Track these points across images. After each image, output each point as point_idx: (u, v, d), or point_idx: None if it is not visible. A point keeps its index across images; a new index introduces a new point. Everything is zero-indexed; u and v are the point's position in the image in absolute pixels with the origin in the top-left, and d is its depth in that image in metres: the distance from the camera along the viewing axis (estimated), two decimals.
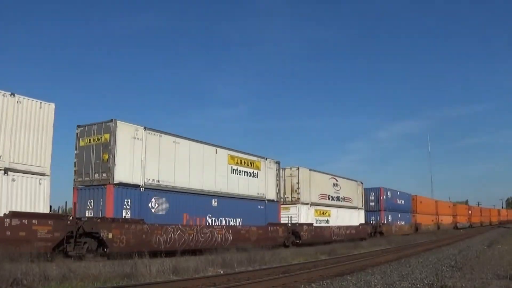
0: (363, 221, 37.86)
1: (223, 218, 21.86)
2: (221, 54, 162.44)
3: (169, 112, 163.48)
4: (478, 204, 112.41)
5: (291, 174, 28.90)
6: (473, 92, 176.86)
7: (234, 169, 23.02)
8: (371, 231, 38.81)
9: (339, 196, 33.93)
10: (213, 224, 21.20)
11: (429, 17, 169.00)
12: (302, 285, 10.28)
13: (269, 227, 24.49)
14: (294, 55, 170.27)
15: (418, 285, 9.94)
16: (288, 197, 28.47)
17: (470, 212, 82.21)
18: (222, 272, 13.36)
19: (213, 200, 21.39)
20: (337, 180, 34.05)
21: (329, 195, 32.45)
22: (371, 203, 41.84)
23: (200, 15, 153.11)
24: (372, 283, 10.23)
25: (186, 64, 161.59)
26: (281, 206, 27.38)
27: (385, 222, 41.82)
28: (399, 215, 45.46)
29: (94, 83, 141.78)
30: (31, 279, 9.59)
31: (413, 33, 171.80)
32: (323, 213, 31.40)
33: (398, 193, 46.78)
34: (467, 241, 31.77)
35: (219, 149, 22.28)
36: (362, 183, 38.94)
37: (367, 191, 40.93)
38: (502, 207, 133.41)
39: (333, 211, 32.60)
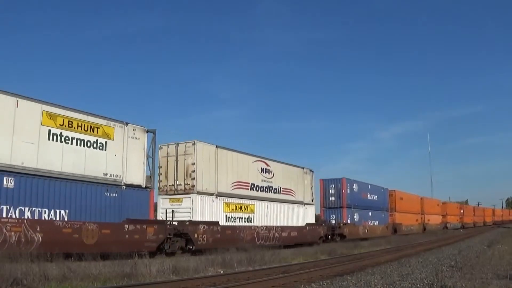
0: (312, 220, 30.52)
1: (26, 208, 14.35)
2: (221, 54, 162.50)
3: (169, 112, 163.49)
4: (478, 204, 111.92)
5: (185, 152, 21.18)
6: (473, 92, 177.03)
7: (55, 134, 15.65)
8: (326, 233, 31.44)
9: (271, 186, 26.12)
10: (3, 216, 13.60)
11: (429, 17, 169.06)
12: (302, 285, 10.28)
13: (126, 226, 16.88)
14: (294, 55, 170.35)
15: (418, 285, 9.94)
16: (180, 184, 21.05)
17: (462, 211, 75.68)
18: (222, 272, 13.37)
19: (5, 178, 13.94)
20: (267, 165, 26.16)
21: (252, 184, 24.58)
22: (331, 198, 34.47)
23: (200, 15, 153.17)
24: (372, 283, 10.23)
25: (186, 64, 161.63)
26: (165, 196, 21.44)
27: (349, 221, 34.40)
28: (370, 214, 38.46)
29: (94, 83, 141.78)
30: (31, 279, 9.60)
31: (413, 33, 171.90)
32: (241, 208, 23.65)
33: (369, 186, 39.37)
34: (467, 241, 31.77)
35: (24, 101, 14.86)
36: (312, 171, 31.30)
37: (326, 183, 34.58)
38: (502, 207, 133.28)
39: (259, 205, 24.86)
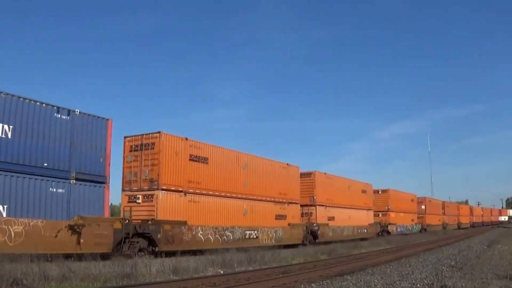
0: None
1: None
2: (222, 55, 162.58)
3: (169, 112, 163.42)
4: (478, 204, 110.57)
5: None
6: (473, 92, 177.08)
7: None
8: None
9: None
10: None
11: (429, 17, 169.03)
12: (302, 285, 10.27)
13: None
14: (294, 55, 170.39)
15: (418, 285, 9.93)
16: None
17: (423, 207, 56.92)
18: (222, 272, 13.37)
19: None
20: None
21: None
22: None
23: (200, 15, 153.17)
24: (372, 283, 10.22)
25: (186, 64, 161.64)
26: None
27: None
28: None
29: (94, 83, 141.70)
30: (31, 279, 9.59)
31: (413, 33, 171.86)
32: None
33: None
34: (467, 241, 31.77)
35: None
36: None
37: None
38: (502, 207, 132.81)
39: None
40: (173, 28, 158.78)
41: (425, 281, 10.33)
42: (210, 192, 21.28)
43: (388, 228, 44.41)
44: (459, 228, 69.76)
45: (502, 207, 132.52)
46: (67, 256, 14.04)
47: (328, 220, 32.03)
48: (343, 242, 28.69)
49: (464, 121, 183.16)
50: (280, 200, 26.78)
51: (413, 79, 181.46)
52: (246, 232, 23.01)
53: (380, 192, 45.61)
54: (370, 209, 40.38)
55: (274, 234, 25.39)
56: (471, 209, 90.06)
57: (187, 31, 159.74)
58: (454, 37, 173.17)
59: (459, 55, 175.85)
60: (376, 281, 10.56)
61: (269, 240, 24.70)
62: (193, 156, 20.47)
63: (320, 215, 31.09)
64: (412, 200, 53.94)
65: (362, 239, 34.08)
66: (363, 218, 38.69)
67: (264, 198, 25.15)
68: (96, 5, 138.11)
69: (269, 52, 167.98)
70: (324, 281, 10.66)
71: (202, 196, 20.77)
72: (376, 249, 24.66)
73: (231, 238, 21.76)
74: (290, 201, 27.67)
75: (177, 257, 16.25)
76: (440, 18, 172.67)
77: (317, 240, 29.24)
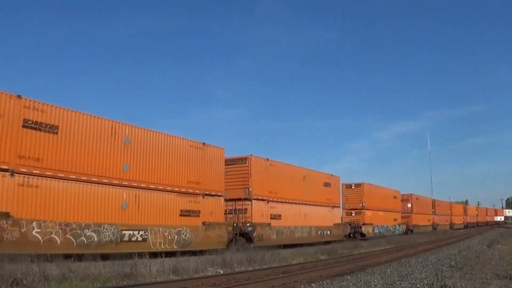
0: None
1: None
2: (221, 54, 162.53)
3: (169, 112, 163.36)
4: (478, 204, 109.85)
5: None
6: (474, 91, 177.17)
7: None
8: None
9: None
10: None
11: (429, 17, 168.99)
12: (302, 285, 10.27)
13: None
14: (294, 55, 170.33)
15: (418, 285, 9.92)
16: None
17: (410, 206, 51.63)
18: (222, 272, 13.36)
19: None
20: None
21: None
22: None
23: (200, 15, 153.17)
24: (372, 283, 10.21)
25: (186, 65, 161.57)
26: None
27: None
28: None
29: (94, 83, 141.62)
30: (31, 279, 9.60)
31: (413, 32, 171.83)
32: None
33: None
34: (467, 241, 31.76)
35: None
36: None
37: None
38: (502, 207, 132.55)
39: None
40: (173, 28, 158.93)
41: (425, 281, 10.32)
42: (59, 174, 15.30)
43: (362, 229, 37.56)
44: (451, 228, 65.47)
45: (502, 207, 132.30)
46: (67, 256, 14.03)
47: (271, 218, 25.24)
48: (296, 247, 23.92)
49: (464, 121, 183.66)
50: (190, 191, 20.32)
51: (413, 79, 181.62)
52: (124, 232, 16.75)
53: (353, 187, 39.33)
54: (336, 206, 34.20)
55: (176, 236, 18.94)
56: (465, 208, 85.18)
57: (186, 31, 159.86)
58: (454, 37, 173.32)
59: (459, 55, 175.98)
60: (376, 281, 10.55)
61: (167, 244, 18.40)
62: (30, 122, 14.72)
63: (258, 212, 24.24)
64: (395, 197, 46.97)
65: (326, 243, 28.06)
66: (326, 217, 31.81)
67: (160, 187, 18.87)
68: (96, 5, 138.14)
69: (269, 52, 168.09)
70: (324, 281, 10.66)
71: (45, 179, 14.84)
72: (376, 249, 24.67)
73: (95, 240, 15.74)
74: (207, 192, 21.10)
75: (177, 257, 16.24)
76: (440, 18, 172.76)
77: (252, 245, 22.36)
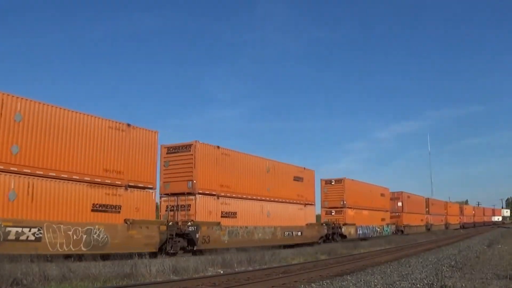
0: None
1: None
2: (221, 55, 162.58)
3: (168, 112, 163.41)
4: (478, 204, 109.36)
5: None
6: (473, 92, 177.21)
7: None
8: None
9: None
10: None
11: (429, 17, 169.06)
12: (302, 285, 10.27)
13: None
14: (294, 55, 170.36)
15: (418, 285, 9.92)
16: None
17: (400, 204, 47.46)
18: (222, 272, 13.37)
19: None
20: None
21: None
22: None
23: (199, 15, 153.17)
24: (372, 283, 10.21)
25: (186, 64, 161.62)
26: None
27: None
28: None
29: (94, 83, 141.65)
30: (31, 279, 9.60)
31: (413, 33, 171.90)
32: None
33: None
34: (467, 241, 31.74)
35: None
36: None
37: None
38: (502, 207, 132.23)
39: None
40: (173, 28, 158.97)
41: (425, 281, 10.32)
42: None
43: (343, 229, 33.60)
44: (447, 229, 62.33)
45: (502, 207, 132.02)
46: (67, 256, 14.03)
47: (222, 217, 21.58)
48: (257, 250, 17.59)
49: (464, 121, 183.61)
50: (108, 181, 16.88)
51: (412, 79, 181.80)
52: (9, 229, 13.31)
53: (333, 183, 35.36)
54: (310, 204, 30.07)
55: (85, 236, 15.34)
56: (461, 208, 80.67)
57: (186, 31, 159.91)
58: (454, 37, 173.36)
59: (458, 55, 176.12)
60: (376, 281, 10.55)
61: (71, 245, 14.88)
62: None
63: (205, 208, 20.65)
64: (382, 195, 43.02)
65: (297, 245, 25.57)
66: (296, 216, 27.91)
67: (64, 176, 15.45)
68: (95, 5, 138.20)
69: (268, 52, 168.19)
70: (324, 281, 10.66)
71: None
72: (376, 249, 24.69)
73: None
74: (132, 184, 17.75)
75: (177, 257, 16.23)
76: (439, 18, 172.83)
77: (195, 247, 19.59)
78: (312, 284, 10.32)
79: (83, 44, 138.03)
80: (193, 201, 20.24)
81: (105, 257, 14.81)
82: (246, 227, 23.16)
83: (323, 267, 14.29)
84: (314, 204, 30.84)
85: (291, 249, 23.16)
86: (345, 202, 34.93)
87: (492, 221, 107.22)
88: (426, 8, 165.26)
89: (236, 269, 14.05)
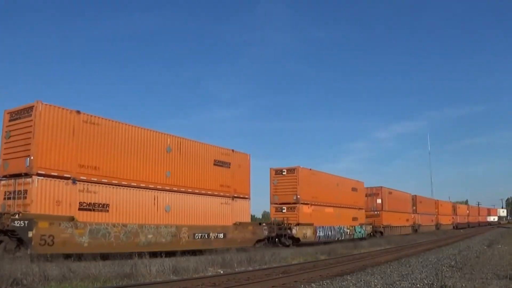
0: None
1: None
2: (221, 54, 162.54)
3: (169, 112, 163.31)
4: (478, 204, 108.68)
5: None
6: (473, 92, 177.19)
7: None
8: None
9: None
10: None
11: (429, 17, 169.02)
12: (302, 285, 10.27)
13: None
14: (294, 55, 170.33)
15: (418, 285, 9.92)
16: None
17: (379, 201, 41.78)
18: (222, 272, 13.36)
19: None
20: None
21: None
22: None
23: (199, 15, 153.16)
24: (372, 283, 10.21)
25: (186, 65, 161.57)
26: None
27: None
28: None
29: (94, 83, 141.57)
30: (31, 279, 9.60)
31: (413, 33, 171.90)
32: None
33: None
34: (467, 241, 31.74)
35: None
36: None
37: None
38: (502, 207, 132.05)
39: None
40: (173, 28, 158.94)
41: (425, 281, 10.32)
42: None
43: (294, 230, 27.32)
44: (437, 230, 57.32)
45: (502, 207, 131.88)
46: (67, 256, 14.02)
47: (81, 209, 15.96)
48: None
49: (464, 121, 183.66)
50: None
51: (412, 79, 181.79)
52: None
53: (284, 173, 28.85)
54: (243, 198, 24.18)
55: None
56: (454, 207, 74.61)
57: (186, 31, 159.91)
58: (454, 37, 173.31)
59: (458, 55, 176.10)
60: (376, 281, 10.55)
61: None
62: None
63: (48, 196, 15.11)
64: (354, 190, 36.28)
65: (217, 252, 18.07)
66: (219, 213, 22.28)
67: None
68: (95, 5, 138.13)
69: (268, 52, 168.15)
70: (324, 281, 10.65)
71: None
72: (376, 249, 24.67)
73: None
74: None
75: (177, 257, 16.23)
76: (439, 18, 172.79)
77: (29, 251, 13.85)
78: (312, 284, 10.32)
79: (83, 44, 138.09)
80: (30, 185, 14.79)
81: (105, 256, 14.84)
82: (125, 226, 17.17)
83: (323, 267, 14.28)
84: (248, 198, 24.62)
85: (290, 249, 23.15)
86: (298, 196, 28.29)
87: (487, 221, 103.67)
88: (426, 8, 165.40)
89: (236, 269, 14.04)
